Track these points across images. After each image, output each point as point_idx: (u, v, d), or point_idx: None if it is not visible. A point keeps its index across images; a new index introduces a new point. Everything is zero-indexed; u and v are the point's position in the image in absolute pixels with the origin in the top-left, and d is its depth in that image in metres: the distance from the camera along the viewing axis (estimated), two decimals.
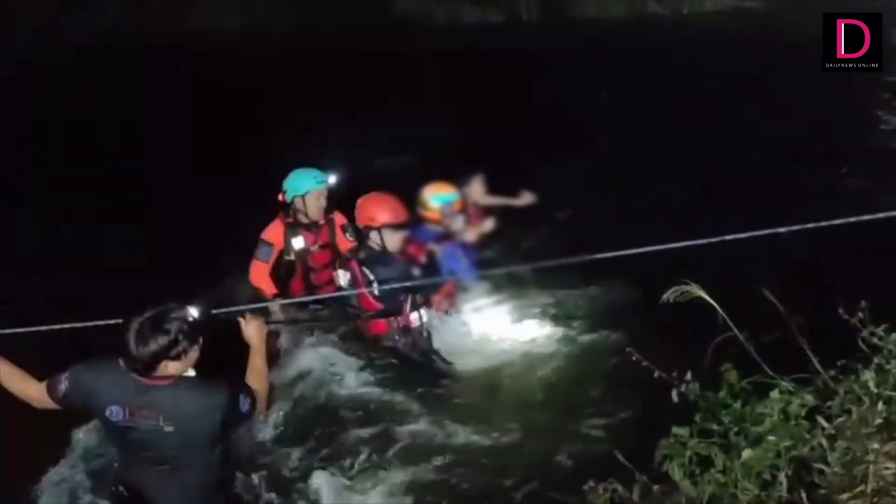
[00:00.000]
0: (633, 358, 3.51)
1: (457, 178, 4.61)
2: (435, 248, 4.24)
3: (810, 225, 2.33)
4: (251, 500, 3.31)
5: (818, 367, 2.50)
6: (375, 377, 3.95)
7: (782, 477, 2.21)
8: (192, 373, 2.73)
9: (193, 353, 2.75)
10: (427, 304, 4.31)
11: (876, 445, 2.32)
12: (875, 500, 2.10)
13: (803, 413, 2.40)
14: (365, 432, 3.64)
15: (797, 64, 10.52)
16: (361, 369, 3.98)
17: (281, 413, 3.87)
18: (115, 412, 2.68)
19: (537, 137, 8.22)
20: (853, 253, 3.40)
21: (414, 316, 4.06)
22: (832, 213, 2.74)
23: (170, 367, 2.67)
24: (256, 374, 2.86)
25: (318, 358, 4.11)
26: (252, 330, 2.95)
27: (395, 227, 4.07)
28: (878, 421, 2.37)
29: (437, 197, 4.46)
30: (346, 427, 3.70)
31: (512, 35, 15.35)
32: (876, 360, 2.53)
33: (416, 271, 3.99)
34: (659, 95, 9.87)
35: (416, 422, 3.64)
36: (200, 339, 2.72)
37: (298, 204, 4.36)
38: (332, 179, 4.42)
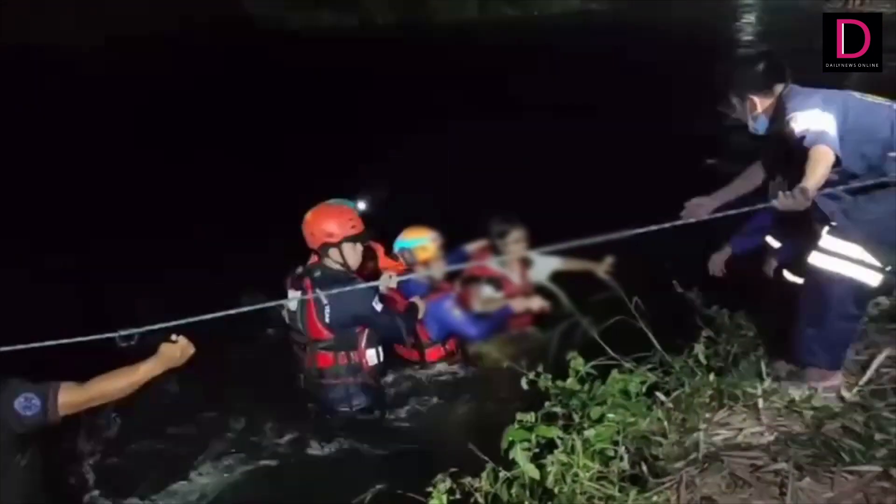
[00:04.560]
0: (484, 350, 3.61)
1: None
2: (419, 302, 3.71)
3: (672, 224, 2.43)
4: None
5: (656, 344, 2.61)
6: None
7: (622, 452, 2.28)
8: None
9: None
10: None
11: (708, 414, 2.45)
12: (706, 465, 2.20)
13: (643, 390, 2.50)
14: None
15: (645, 60, 11.24)
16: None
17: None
18: None
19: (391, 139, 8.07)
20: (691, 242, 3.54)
21: (370, 353, 3.56)
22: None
23: None
24: (123, 380, 2.60)
25: None
26: (175, 352, 2.64)
27: (355, 239, 3.53)
28: (710, 392, 2.51)
29: (399, 242, 3.98)
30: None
31: (366, 39, 15.22)
32: (704, 333, 2.69)
33: (377, 301, 3.46)
34: (511, 95, 10.09)
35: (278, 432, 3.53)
36: None
37: None
38: (362, 206, 4.00)
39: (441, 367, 3.86)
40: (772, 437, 2.29)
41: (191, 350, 2.68)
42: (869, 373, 2.47)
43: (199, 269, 4.76)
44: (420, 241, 3.89)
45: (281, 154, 7.70)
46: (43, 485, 2.73)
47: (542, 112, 8.81)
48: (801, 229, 2.57)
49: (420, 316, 3.68)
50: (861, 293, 2.46)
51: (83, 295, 4.60)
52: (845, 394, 2.42)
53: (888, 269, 2.42)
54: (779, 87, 2.59)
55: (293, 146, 7.82)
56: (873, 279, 2.43)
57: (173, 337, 2.63)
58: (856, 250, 2.41)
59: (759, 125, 2.66)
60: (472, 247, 3.93)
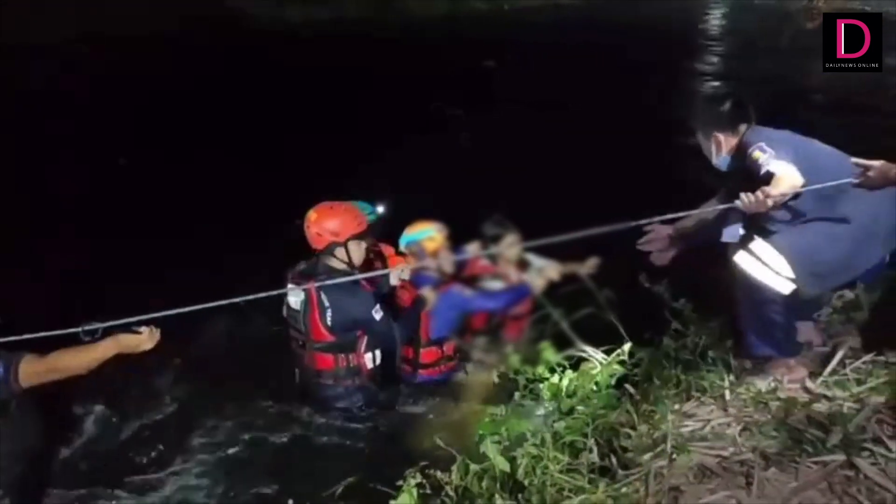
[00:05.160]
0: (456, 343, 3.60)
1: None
2: (428, 294, 3.64)
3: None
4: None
5: (625, 337, 2.63)
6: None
7: (592, 444, 2.29)
8: None
9: None
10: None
11: (676, 406, 2.47)
12: (674, 456, 2.22)
13: (613, 382, 2.53)
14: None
15: (616, 56, 11.34)
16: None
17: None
18: None
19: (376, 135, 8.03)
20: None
21: (369, 356, 3.56)
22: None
23: None
24: (82, 356, 2.64)
25: None
26: (132, 342, 2.67)
27: (360, 237, 3.52)
28: (678, 384, 2.53)
29: (405, 237, 3.91)
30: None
31: (338, 32, 15.13)
32: (673, 326, 2.72)
33: (378, 310, 3.44)
34: (484, 90, 10.11)
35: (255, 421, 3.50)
36: None
37: None
38: (381, 209, 3.97)
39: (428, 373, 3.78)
40: (738, 428, 2.32)
41: (150, 344, 2.72)
42: (832, 364, 2.52)
43: (198, 269, 4.71)
44: (427, 233, 3.82)
45: (270, 152, 7.64)
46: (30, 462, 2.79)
47: (516, 106, 8.85)
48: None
49: (427, 308, 3.60)
50: (785, 295, 2.48)
51: (83, 295, 4.53)
52: (809, 384, 2.46)
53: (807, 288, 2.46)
54: (743, 127, 2.62)
55: (279, 144, 7.77)
56: (785, 288, 2.45)
57: (142, 329, 2.67)
58: (778, 262, 2.43)
59: (721, 162, 2.68)
60: (471, 247, 3.83)
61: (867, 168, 2.43)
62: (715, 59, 12.81)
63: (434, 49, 12.54)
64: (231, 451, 3.38)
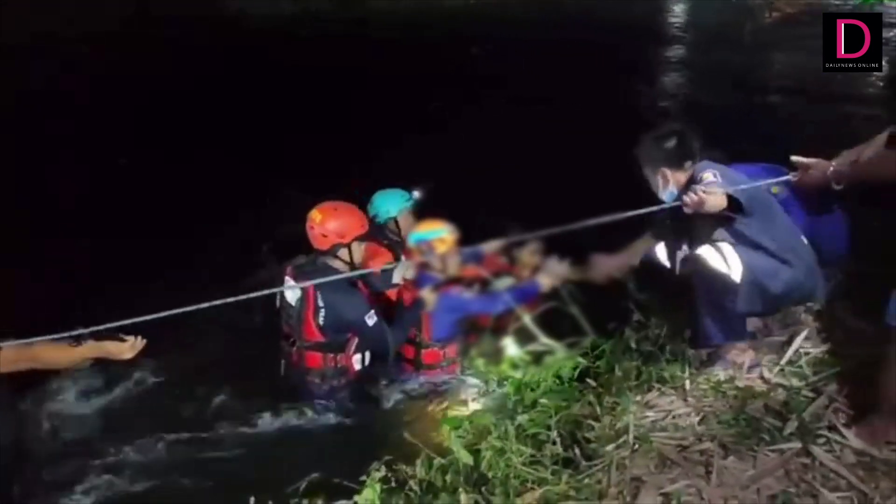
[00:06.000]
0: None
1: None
2: (428, 295, 3.60)
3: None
4: None
5: (587, 329, 2.67)
6: None
7: (555, 436, 2.33)
8: None
9: None
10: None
11: (638, 397, 2.51)
12: (636, 447, 2.26)
13: (575, 374, 2.56)
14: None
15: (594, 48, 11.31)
16: None
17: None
18: None
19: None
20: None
21: (357, 358, 3.60)
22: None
23: None
24: (63, 353, 2.69)
25: None
26: (112, 349, 2.67)
27: (363, 238, 3.57)
28: (639, 375, 2.57)
29: (414, 234, 3.84)
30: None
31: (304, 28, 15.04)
32: (635, 317, 2.75)
33: (371, 315, 3.43)
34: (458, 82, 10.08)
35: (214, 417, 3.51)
36: None
37: (392, 226, 3.98)
38: (417, 194, 4.00)
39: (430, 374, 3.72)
40: (698, 418, 2.35)
41: (130, 354, 2.73)
42: (789, 353, 2.55)
43: (198, 269, 4.72)
44: (438, 233, 3.73)
45: (269, 152, 7.67)
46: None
47: (497, 100, 8.85)
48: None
49: (428, 309, 3.57)
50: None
51: (83, 295, 4.59)
52: (767, 374, 2.50)
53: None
54: (688, 164, 2.65)
55: (278, 143, 7.82)
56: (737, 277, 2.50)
57: (129, 338, 2.71)
58: (735, 263, 2.47)
59: (667, 196, 2.70)
60: (488, 248, 3.76)
61: (807, 167, 2.45)
62: (681, 51, 12.75)
63: (407, 45, 12.45)
64: (196, 442, 3.38)
